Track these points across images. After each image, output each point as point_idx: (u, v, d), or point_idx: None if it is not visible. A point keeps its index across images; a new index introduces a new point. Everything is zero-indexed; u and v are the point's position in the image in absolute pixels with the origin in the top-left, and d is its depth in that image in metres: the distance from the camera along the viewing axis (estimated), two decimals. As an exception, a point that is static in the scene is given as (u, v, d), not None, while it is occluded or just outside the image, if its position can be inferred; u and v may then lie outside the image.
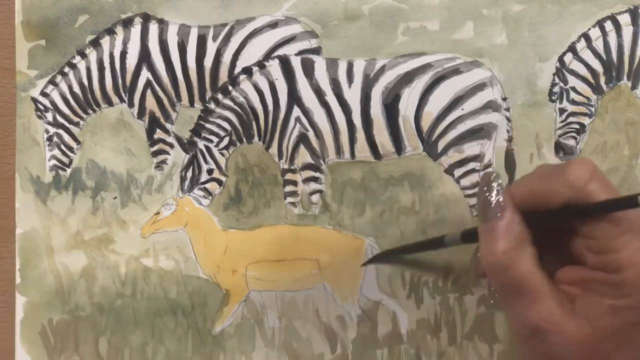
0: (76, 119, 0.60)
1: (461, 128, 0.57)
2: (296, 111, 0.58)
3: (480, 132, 0.57)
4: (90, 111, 0.60)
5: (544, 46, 0.57)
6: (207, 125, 0.59)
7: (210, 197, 0.59)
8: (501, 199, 0.42)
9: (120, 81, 0.59)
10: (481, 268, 0.48)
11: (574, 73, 0.57)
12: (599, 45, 0.56)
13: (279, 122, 0.58)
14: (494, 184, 0.43)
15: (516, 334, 0.43)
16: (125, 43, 0.59)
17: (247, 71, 0.58)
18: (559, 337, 0.40)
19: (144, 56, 0.59)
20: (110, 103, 0.60)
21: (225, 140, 0.59)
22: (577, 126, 0.57)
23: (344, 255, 0.57)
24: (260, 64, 0.58)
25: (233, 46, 0.58)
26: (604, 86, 0.57)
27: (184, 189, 0.59)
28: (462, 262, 0.57)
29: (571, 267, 0.43)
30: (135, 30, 0.59)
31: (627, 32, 0.56)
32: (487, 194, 0.42)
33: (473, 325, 0.57)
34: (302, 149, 0.58)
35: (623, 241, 0.39)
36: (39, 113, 0.60)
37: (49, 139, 0.60)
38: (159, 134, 0.60)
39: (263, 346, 0.58)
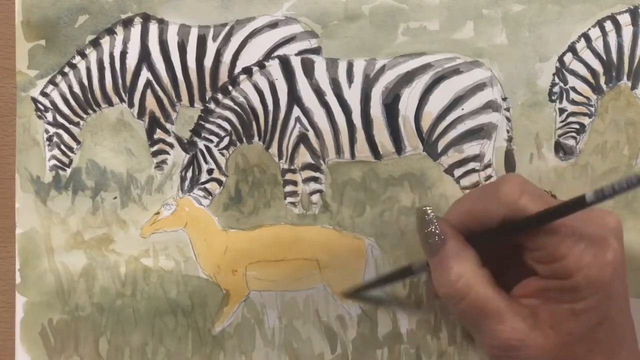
0: (76, 119, 0.60)
1: (461, 128, 0.57)
2: (296, 111, 0.58)
3: (480, 132, 0.57)
4: (90, 111, 0.60)
5: (544, 46, 0.57)
6: (207, 125, 0.59)
7: (210, 197, 0.59)
8: (438, 231, 0.43)
9: (120, 81, 0.59)
10: (433, 292, 0.48)
11: (574, 73, 0.57)
12: (599, 45, 0.56)
13: (279, 122, 0.58)
14: (428, 217, 0.43)
15: (488, 356, 0.43)
16: (125, 43, 0.59)
17: (247, 71, 0.58)
18: (529, 351, 0.40)
19: (144, 56, 0.59)
20: (110, 103, 0.60)
21: (225, 140, 0.59)
22: (577, 126, 0.57)
23: (344, 255, 0.57)
24: (260, 64, 0.58)
25: (233, 46, 0.58)
26: (604, 86, 0.57)
27: (184, 189, 0.59)
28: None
29: (527, 280, 0.43)
30: (135, 30, 0.59)
31: (627, 32, 0.56)
32: (425, 228, 0.43)
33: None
34: (302, 149, 0.58)
35: (566, 247, 0.40)
36: (39, 113, 0.60)
37: (49, 139, 0.60)
38: (159, 134, 0.60)
39: (263, 346, 0.58)
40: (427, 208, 0.44)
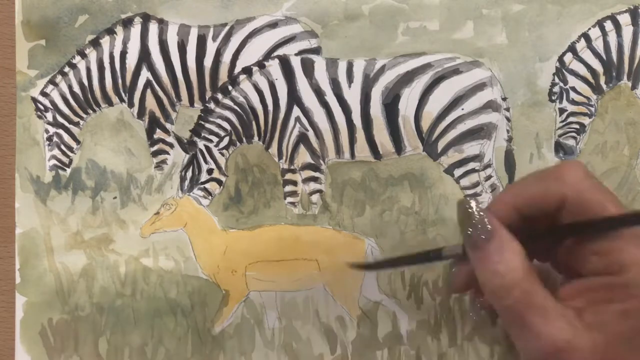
0: (76, 119, 0.60)
1: (461, 128, 0.57)
2: (296, 111, 0.58)
3: (480, 132, 0.57)
4: (90, 111, 0.60)
5: (544, 46, 0.57)
6: (207, 125, 0.59)
7: (210, 197, 0.59)
8: (486, 221, 0.41)
9: (120, 81, 0.60)
10: (455, 285, 0.46)
11: (574, 73, 0.57)
12: (599, 45, 0.56)
13: (279, 122, 0.58)
14: (473, 209, 0.41)
15: (528, 356, 0.41)
16: (125, 43, 0.59)
17: (247, 71, 0.58)
18: (575, 355, 0.38)
19: (144, 56, 0.59)
20: (110, 103, 0.60)
21: (225, 140, 0.59)
22: (577, 126, 0.57)
23: (344, 256, 0.57)
24: (260, 64, 0.58)
25: (233, 46, 0.58)
26: (604, 86, 0.57)
27: (183, 189, 0.59)
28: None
29: (570, 282, 0.42)
30: (135, 30, 0.59)
31: (627, 32, 0.56)
32: (470, 220, 0.41)
33: (473, 326, 0.57)
34: (302, 148, 0.58)
35: (623, 241, 0.39)
36: (39, 113, 0.60)
37: (49, 138, 0.60)
38: (159, 133, 0.60)
39: (263, 346, 0.58)
40: (471, 200, 0.42)
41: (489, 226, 0.41)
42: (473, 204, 0.42)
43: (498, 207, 0.43)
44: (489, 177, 0.57)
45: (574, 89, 0.57)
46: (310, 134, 0.58)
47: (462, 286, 0.46)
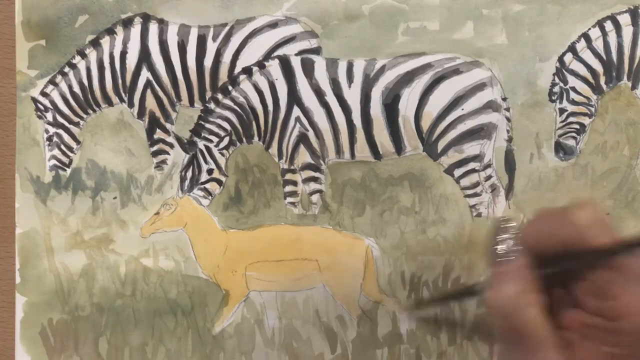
0: (76, 119, 0.60)
1: (461, 128, 0.57)
2: (296, 111, 0.58)
3: (480, 132, 0.57)
4: (90, 111, 0.60)
5: (544, 46, 0.57)
6: (207, 125, 0.59)
7: (210, 197, 0.59)
8: (513, 244, 0.42)
9: (120, 81, 0.59)
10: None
11: (574, 73, 0.57)
12: (599, 45, 0.56)
13: (279, 122, 0.58)
14: (508, 227, 0.43)
15: None
16: (125, 43, 0.59)
17: (247, 71, 0.58)
18: None
19: (144, 56, 0.59)
20: (110, 103, 0.60)
21: (225, 140, 0.59)
22: (577, 126, 0.57)
23: (344, 256, 0.57)
24: (260, 64, 0.58)
25: (233, 46, 0.58)
26: (604, 86, 0.57)
27: (184, 189, 0.59)
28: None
29: (573, 311, 0.42)
30: (135, 30, 0.59)
31: (627, 32, 0.56)
32: (500, 237, 0.43)
33: (473, 325, 0.57)
34: (302, 149, 0.58)
35: (623, 288, 0.39)
36: (39, 113, 0.60)
37: (49, 139, 0.60)
38: (159, 134, 0.60)
39: (263, 346, 0.58)
40: (511, 220, 0.44)
41: (515, 249, 0.42)
42: (513, 222, 0.43)
43: (526, 234, 0.44)
44: (489, 177, 0.57)
45: (574, 89, 0.57)
46: (310, 134, 0.58)
47: None
